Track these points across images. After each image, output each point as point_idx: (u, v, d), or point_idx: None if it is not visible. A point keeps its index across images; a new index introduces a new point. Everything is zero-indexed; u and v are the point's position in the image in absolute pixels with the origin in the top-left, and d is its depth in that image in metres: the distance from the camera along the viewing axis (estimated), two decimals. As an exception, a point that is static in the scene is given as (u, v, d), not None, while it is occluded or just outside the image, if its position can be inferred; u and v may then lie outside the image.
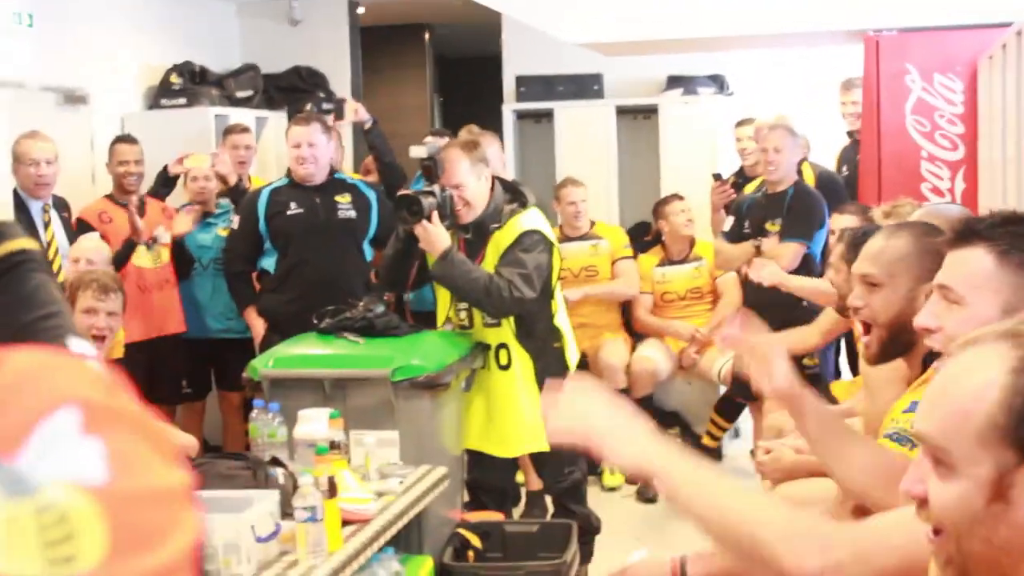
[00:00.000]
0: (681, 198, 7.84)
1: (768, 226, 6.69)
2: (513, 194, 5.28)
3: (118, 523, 0.76)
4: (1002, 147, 5.95)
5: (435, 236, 5.03)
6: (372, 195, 6.29)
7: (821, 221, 6.59)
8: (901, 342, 2.83)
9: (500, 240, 5.14)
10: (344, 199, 6.23)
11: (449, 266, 5.04)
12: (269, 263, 6.24)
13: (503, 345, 5.22)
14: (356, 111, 7.25)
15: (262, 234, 6.19)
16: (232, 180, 6.99)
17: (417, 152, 5.87)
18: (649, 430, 1.87)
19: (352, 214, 6.23)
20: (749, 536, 1.77)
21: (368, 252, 6.33)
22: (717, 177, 7.79)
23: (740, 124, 8.02)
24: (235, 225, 6.37)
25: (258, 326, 6.20)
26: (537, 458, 5.27)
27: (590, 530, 5.45)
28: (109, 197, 6.87)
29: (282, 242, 6.17)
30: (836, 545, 1.73)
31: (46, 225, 6.14)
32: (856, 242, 3.59)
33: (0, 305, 1.16)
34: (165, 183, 7.12)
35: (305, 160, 6.14)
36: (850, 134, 7.74)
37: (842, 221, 5.70)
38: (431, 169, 5.13)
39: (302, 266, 6.13)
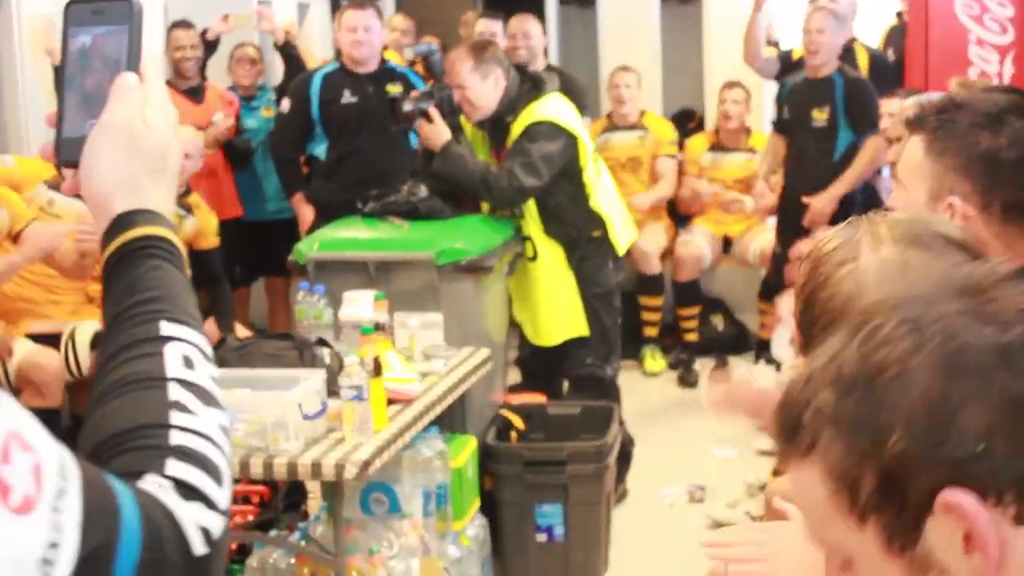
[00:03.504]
0: (739, 86, 7.70)
1: (816, 113, 6.60)
2: (532, 83, 5.28)
3: None
4: (1052, 31, 5.87)
5: (433, 133, 5.15)
6: (420, 84, 6.28)
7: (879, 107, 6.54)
8: None
9: (515, 132, 5.17)
10: (395, 88, 6.21)
11: (446, 161, 5.12)
12: (320, 150, 6.26)
13: (526, 237, 5.26)
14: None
15: (314, 120, 6.21)
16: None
17: (408, 54, 5.92)
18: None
19: None
20: None
21: (414, 140, 6.34)
22: None
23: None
24: (284, 108, 6.38)
25: (307, 213, 6.23)
26: (570, 341, 5.30)
27: (624, 455, 5.36)
28: (168, 83, 6.95)
29: (335, 130, 6.19)
30: None
31: None
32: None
33: (114, 293, 1.16)
34: (205, 49, 7.14)
35: (360, 44, 6.15)
36: (899, 15, 7.58)
37: (893, 106, 5.63)
38: (428, 68, 5.20)
39: (354, 155, 6.14)
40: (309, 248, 4.89)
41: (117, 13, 1.26)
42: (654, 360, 7.53)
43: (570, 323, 5.30)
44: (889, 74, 7.10)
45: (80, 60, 1.26)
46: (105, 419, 1.05)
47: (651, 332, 7.59)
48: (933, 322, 1.00)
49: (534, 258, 5.26)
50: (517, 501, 4.68)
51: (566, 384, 5.45)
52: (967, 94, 2.16)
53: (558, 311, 5.29)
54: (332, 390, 3.69)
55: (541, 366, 5.49)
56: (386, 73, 6.30)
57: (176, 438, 1.06)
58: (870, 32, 7.86)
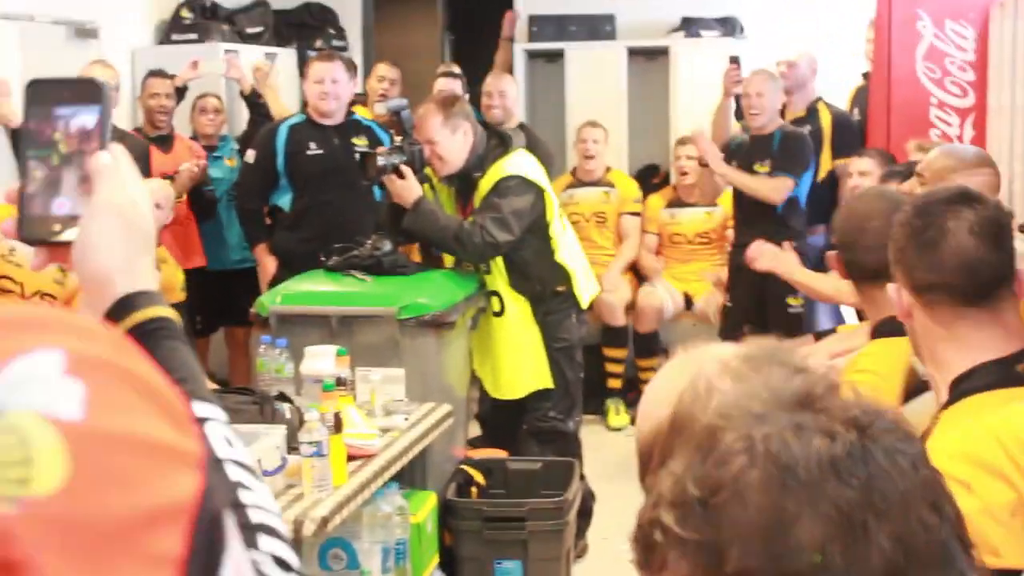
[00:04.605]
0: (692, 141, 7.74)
1: (756, 167, 6.65)
2: (499, 139, 5.31)
3: (86, 459, 0.73)
4: (1011, 94, 5.95)
5: (404, 189, 5.12)
6: (386, 138, 6.30)
7: (808, 162, 6.59)
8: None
9: (483, 188, 5.19)
10: (361, 141, 6.24)
11: (418, 217, 5.11)
12: (284, 200, 6.25)
13: (494, 292, 5.27)
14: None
15: (279, 171, 6.21)
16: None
17: (379, 109, 5.90)
18: None
19: None
20: None
21: (378, 193, 6.35)
22: (734, 60, 7.52)
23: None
24: (249, 158, 6.38)
25: (269, 264, 6.21)
26: (532, 394, 5.32)
27: (584, 510, 5.37)
28: (138, 131, 6.96)
29: (300, 182, 6.19)
30: None
31: None
32: None
33: None
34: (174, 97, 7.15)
35: (327, 96, 6.16)
36: (866, 76, 7.68)
37: (860, 165, 5.70)
38: (397, 124, 5.22)
39: (319, 207, 6.14)
40: (272, 301, 4.89)
41: (84, 92, 1.27)
42: (617, 415, 7.55)
43: (534, 376, 5.30)
44: (853, 133, 7.19)
45: (46, 139, 1.26)
46: None
47: (615, 384, 7.61)
48: (764, 438, 1.02)
49: (500, 313, 5.26)
50: (477, 557, 4.67)
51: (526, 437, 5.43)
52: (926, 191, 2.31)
53: (523, 364, 5.29)
54: (292, 446, 3.67)
55: (502, 420, 5.49)
56: (352, 125, 6.32)
57: (255, 516, 1.10)
58: (839, 93, 7.94)
